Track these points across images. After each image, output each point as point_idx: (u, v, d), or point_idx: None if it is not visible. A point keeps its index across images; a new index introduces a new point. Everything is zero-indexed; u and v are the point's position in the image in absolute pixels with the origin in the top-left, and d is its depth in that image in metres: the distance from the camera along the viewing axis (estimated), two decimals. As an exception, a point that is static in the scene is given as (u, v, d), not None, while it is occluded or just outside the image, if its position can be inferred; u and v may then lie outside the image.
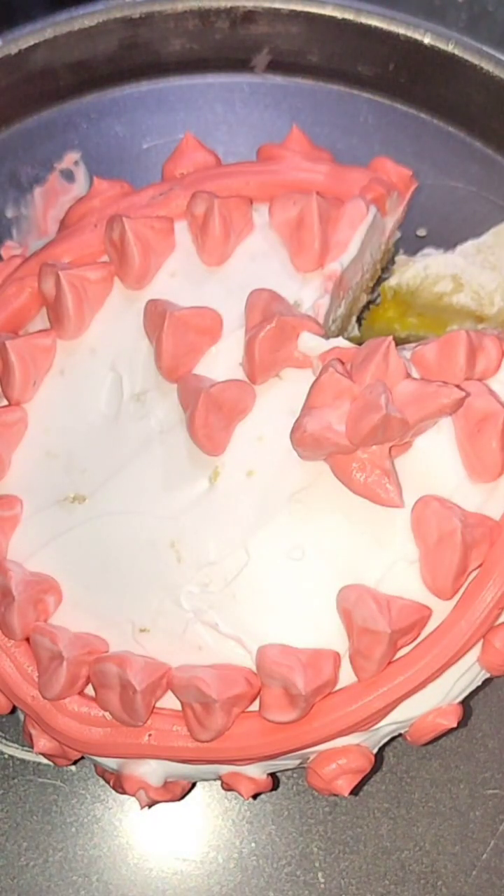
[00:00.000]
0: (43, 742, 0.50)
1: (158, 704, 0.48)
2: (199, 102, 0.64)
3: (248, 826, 0.56)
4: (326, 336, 0.49)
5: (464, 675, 0.48)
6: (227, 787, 0.50)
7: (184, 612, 0.48)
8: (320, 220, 0.51)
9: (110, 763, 0.49)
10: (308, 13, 0.62)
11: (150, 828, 0.57)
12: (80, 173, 0.63)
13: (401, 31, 0.62)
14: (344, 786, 0.48)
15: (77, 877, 0.56)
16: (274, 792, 0.56)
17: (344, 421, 0.45)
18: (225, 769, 0.49)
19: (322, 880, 0.56)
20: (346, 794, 0.49)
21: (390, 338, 0.46)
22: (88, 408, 0.50)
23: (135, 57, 0.63)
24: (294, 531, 0.47)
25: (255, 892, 0.56)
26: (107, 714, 0.48)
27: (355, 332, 0.59)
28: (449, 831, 0.56)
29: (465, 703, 0.49)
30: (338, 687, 0.47)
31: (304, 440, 0.46)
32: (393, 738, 0.50)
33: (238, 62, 0.64)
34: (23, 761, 0.57)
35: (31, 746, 0.51)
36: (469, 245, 0.58)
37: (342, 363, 0.47)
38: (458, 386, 0.46)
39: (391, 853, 0.56)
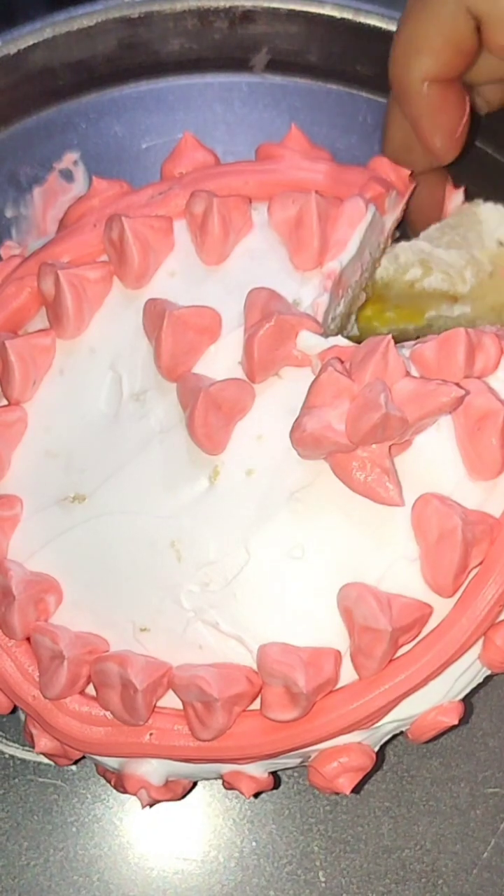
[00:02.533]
0: (44, 742, 0.50)
1: (159, 704, 0.48)
2: (198, 102, 0.64)
3: (249, 825, 0.56)
4: (325, 335, 0.49)
5: (465, 673, 0.48)
6: (228, 786, 0.50)
7: (184, 611, 0.48)
8: (319, 219, 0.51)
9: (111, 762, 0.49)
10: (307, 13, 0.62)
11: (151, 827, 0.57)
12: (80, 173, 0.63)
13: (399, 30, 0.62)
14: (345, 784, 0.48)
15: (78, 876, 0.56)
16: (275, 791, 0.56)
17: (343, 420, 0.45)
18: (226, 768, 0.49)
19: (323, 879, 0.56)
20: (347, 792, 0.49)
21: (389, 336, 0.46)
22: (88, 407, 0.50)
23: (134, 57, 0.63)
24: (294, 530, 0.47)
25: (256, 892, 0.56)
26: (108, 713, 0.48)
27: (354, 330, 0.59)
28: (450, 830, 0.56)
29: (467, 701, 0.49)
30: (339, 685, 0.47)
31: (303, 439, 0.45)
32: (394, 736, 0.50)
33: (237, 62, 0.64)
34: (23, 761, 0.57)
35: (32, 746, 0.51)
36: (432, 229, 0.58)
37: (341, 362, 0.47)
38: (457, 384, 0.46)
39: (392, 852, 0.56)
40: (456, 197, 0.59)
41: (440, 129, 0.53)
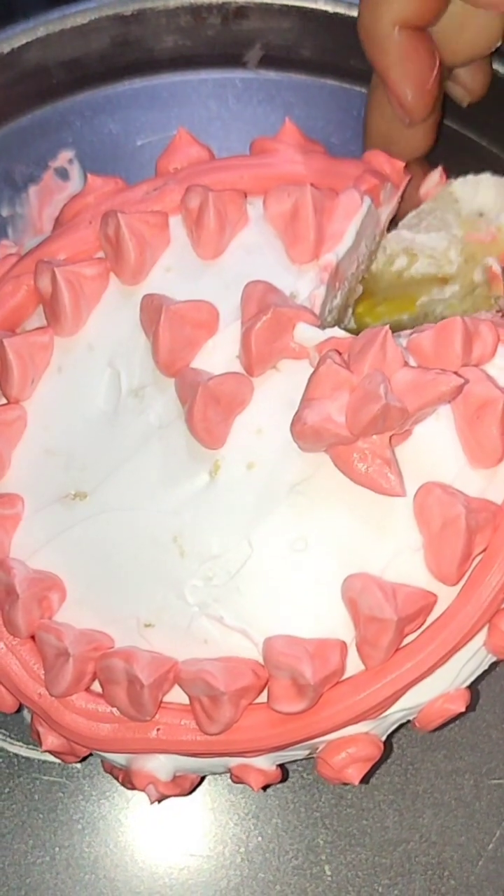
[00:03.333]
0: (51, 739, 0.50)
1: (165, 699, 0.48)
2: (193, 99, 0.64)
3: (255, 820, 0.57)
4: (322, 327, 0.49)
5: (471, 660, 0.48)
6: (236, 780, 0.50)
7: (188, 606, 0.48)
8: (315, 212, 0.51)
9: (119, 759, 0.49)
10: (300, 8, 0.62)
11: (156, 824, 0.57)
12: (75, 171, 0.63)
13: (392, 24, 0.62)
14: (354, 774, 0.48)
15: (84, 874, 0.56)
16: (279, 786, 0.56)
17: (343, 412, 0.45)
18: (234, 761, 0.49)
19: (329, 873, 0.56)
20: (356, 782, 0.49)
21: (387, 327, 0.46)
22: (87, 404, 0.50)
23: (127, 54, 0.63)
24: (296, 522, 0.47)
25: (262, 886, 0.56)
26: (114, 710, 0.48)
27: (351, 323, 0.59)
28: (454, 822, 0.57)
29: (473, 688, 0.50)
30: (345, 676, 0.47)
31: (304, 432, 0.45)
32: (400, 726, 0.50)
33: (231, 58, 0.64)
34: (28, 759, 0.57)
35: (39, 744, 0.51)
36: (409, 217, 0.58)
37: (339, 354, 0.47)
38: (455, 373, 0.46)
39: (397, 845, 0.56)
40: (431, 177, 0.59)
41: (410, 79, 0.53)
